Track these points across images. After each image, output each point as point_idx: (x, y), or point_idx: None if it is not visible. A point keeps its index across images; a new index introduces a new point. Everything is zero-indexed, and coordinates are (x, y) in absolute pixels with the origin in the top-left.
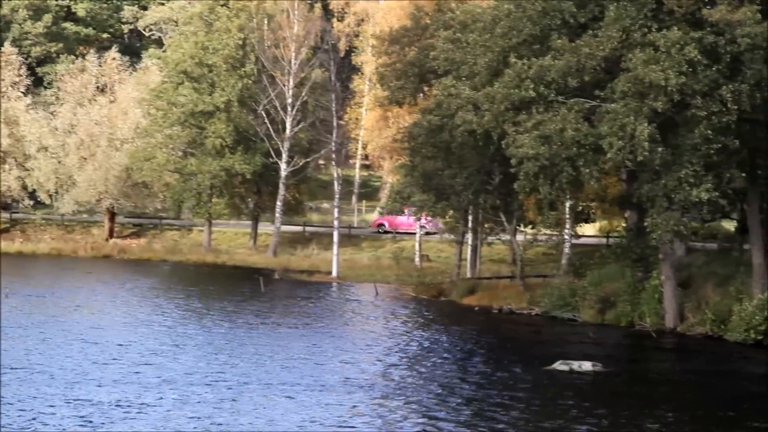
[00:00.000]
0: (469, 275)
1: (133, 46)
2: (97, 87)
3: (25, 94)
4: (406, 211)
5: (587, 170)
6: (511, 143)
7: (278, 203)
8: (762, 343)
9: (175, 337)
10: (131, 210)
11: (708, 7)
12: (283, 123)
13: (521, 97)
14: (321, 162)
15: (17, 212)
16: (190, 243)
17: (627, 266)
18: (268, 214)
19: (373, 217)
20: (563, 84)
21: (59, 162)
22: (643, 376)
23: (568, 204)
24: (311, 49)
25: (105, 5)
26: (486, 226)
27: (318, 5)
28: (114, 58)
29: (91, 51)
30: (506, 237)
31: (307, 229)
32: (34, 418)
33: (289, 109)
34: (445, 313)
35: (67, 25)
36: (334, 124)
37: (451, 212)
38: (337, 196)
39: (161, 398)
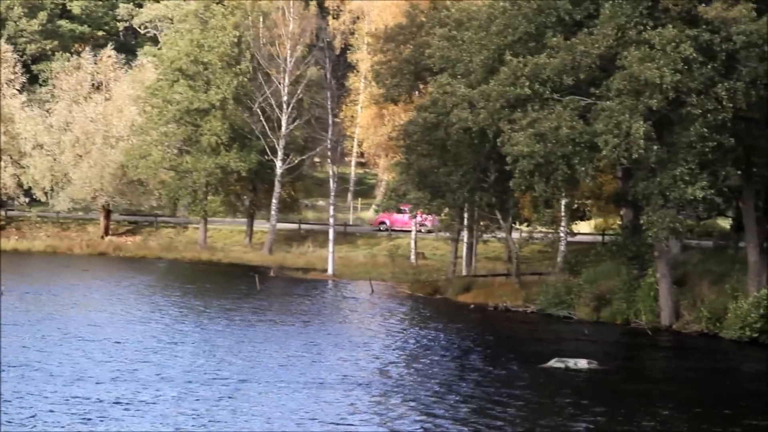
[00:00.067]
0: (464, 273)
1: (129, 44)
2: (93, 84)
3: (20, 91)
4: (406, 209)
5: (582, 168)
6: (507, 141)
7: (274, 201)
8: (757, 341)
9: (172, 334)
10: (127, 207)
11: (703, 4)
12: (279, 120)
13: (517, 94)
14: (316, 159)
15: (12, 210)
16: (186, 240)
17: (622, 264)
18: (264, 212)
19: (369, 214)
20: (559, 82)
21: (54, 159)
22: (639, 373)
23: (563, 202)
24: (307, 46)
25: (100, 3)
26: (481, 223)
27: (313, 3)
28: (109, 56)
29: (87, 48)
30: (502, 234)
31: (303, 226)
32: (33, 416)
33: (285, 106)
34: (440, 311)
35: (63, 22)
36: (330, 121)
37: (446, 210)
38: (332, 193)
39: (160, 396)
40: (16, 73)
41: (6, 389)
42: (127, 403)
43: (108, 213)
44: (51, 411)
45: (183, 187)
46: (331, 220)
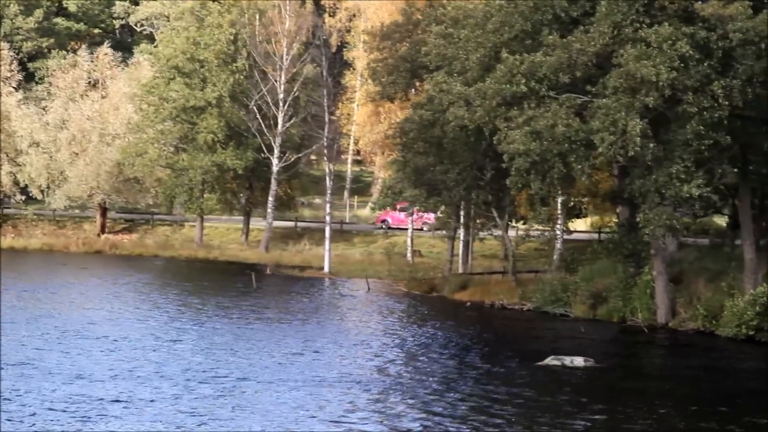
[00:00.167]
0: (461, 271)
1: (125, 42)
2: (89, 82)
3: (16, 89)
4: (408, 207)
5: (579, 166)
6: (503, 139)
7: (270, 198)
8: (753, 339)
9: (170, 332)
10: (123, 205)
11: (700, 1)
12: (275, 118)
13: (513, 92)
14: (313, 157)
15: (9, 207)
16: (182, 238)
17: (619, 261)
18: (260, 210)
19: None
20: (555, 80)
21: (51, 157)
22: (635, 371)
23: (559, 199)
24: (303, 44)
25: (96, 0)
26: (478, 221)
27: (309, 1)
28: (106, 54)
29: (83, 46)
30: (498, 232)
31: (299, 224)
32: (33, 414)
33: (281, 104)
34: (437, 309)
35: (59, 20)
36: (326, 119)
37: (442, 207)
38: (329, 191)
39: (159, 394)
40: (13, 70)
41: (5, 387)
42: (126, 401)
43: (104, 211)
44: (51, 409)
45: (179, 184)
46: (328, 218)
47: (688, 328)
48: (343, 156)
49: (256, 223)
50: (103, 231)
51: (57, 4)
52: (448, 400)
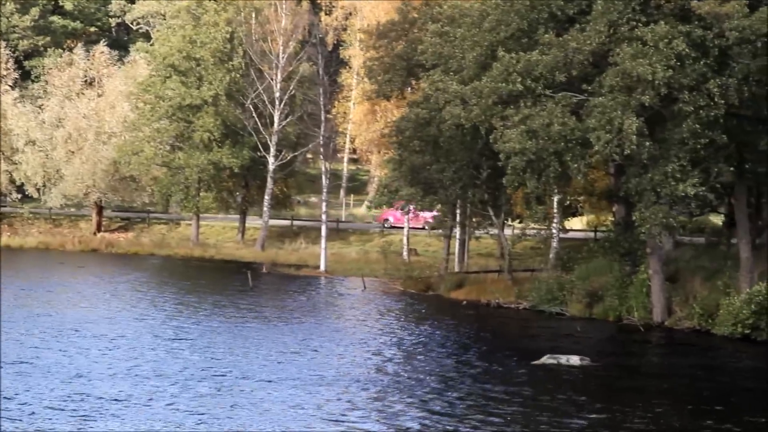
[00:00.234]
0: (457, 269)
1: (121, 40)
2: (85, 80)
3: (12, 87)
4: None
5: (575, 165)
6: (499, 138)
7: (266, 197)
8: (749, 337)
9: (168, 331)
10: (119, 204)
11: (696, 0)
12: (271, 117)
13: (509, 91)
14: (309, 156)
15: (5, 206)
16: (178, 237)
17: (615, 260)
18: (256, 208)
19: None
20: (551, 78)
21: (47, 156)
22: (631, 370)
23: (555, 198)
24: (299, 42)
25: None
26: (474, 220)
27: None
28: (102, 52)
29: (79, 45)
30: (494, 231)
31: (295, 223)
32: (32, 414)
33: (277, 102)
34: (433, 308)
35: (55, 18)
36: (322, 117)
37: (439, 206)
38: (325, 190)
39: (158, 393)
40: (9, 69)
41: (3, 386)
42: (125, 400)
43: (100, 209)
44: (50, 408)
45: (175, 183)
46: (324, 217)
47: (684, 326)
48: (339, 154)
49: (252, 221)
50: (99, 229)
51: (53, 3)
52: (446, 399)
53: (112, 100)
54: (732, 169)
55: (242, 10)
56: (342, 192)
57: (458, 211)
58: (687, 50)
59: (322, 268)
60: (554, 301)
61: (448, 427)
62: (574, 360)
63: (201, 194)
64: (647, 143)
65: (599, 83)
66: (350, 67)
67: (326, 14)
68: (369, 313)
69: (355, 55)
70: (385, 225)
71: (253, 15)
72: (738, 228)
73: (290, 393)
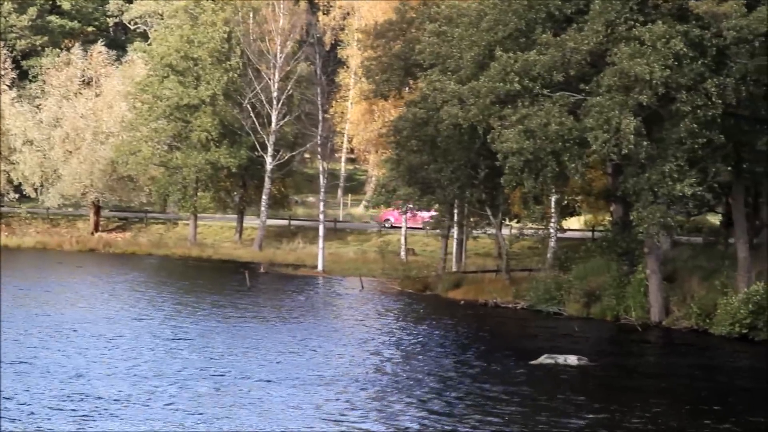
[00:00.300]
0: (454, 269)
1: (119, 40)
2: (83, 80)
3: (10, 87)
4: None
5: (572, 165)
6: (497, 138)
7: (264, 197)
8: (747, 337)
9: (166, 331)
10: (116, 204)
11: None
12: (269, 116)
13: (506, 90)
14: (306, 156)
15: (2, 206)
16: (176, 237)
17: (612, 260)
18: (254, 208)
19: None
20: (549, 78)
21: (44, 155)
22: (629, 369)
23: (553, 198)
24: (297, 42)
25: None
26: (471, 219)
27: None
28: (99, 52)
29: (77, 44)
30: (492, 231)
31: (293, 222)
32: (31, 413)
33: (275, 102)
34: (430, 307)
35: (53, 18)
36: (320, 117)
37: (436, 206)
38: (322, 189)
39: (158, 393)
40: (6, 68)
41: (2, 386)
42: (124, 400)
43: (98, 209)
44: (50, 408)
45: (173, 183)
46: (321, 216)
47: (682, 326)
48: (336, 154)
49: (249, 221)
50: (96, 229)
51: (51, 2)
52: (445, 399)
53: (109, 99)
54: (729, 168)
55: (240, 10)
56: (339, 192)
57: (456, 210)
58: (685, 50)
59: (320, 267)
60: (552, 301)
61: (447, 427)
62: (572, 360)
63: (198, 194)
64: (645, 143)
65: (597, 83)
66: (348, 67)
67: (324, 14)
68: (367, 313)
69: (353, 54)
70: (386, 225)
71: (251, 15)
72: (735, 228)
73: (289, 393)
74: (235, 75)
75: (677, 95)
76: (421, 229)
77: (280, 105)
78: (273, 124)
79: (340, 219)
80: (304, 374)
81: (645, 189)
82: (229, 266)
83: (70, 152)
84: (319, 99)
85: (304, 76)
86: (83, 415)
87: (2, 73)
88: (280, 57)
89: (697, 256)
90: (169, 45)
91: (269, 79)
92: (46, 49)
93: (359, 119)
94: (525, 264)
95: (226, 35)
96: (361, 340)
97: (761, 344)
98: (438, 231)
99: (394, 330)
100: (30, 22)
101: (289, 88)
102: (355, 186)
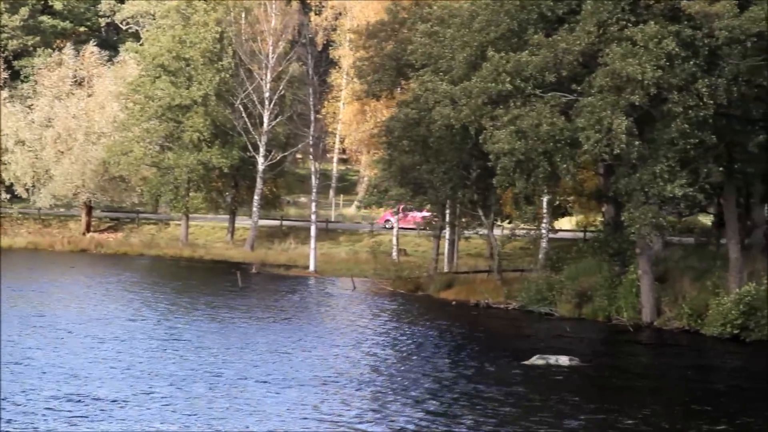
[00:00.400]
0: (446, 269)
1: (111, 40)
2: (75, 80)
3: (1, 87)
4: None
5: (564, 165)
6: (488, 138)
7: (256, 197)
8: (738, 338)
9: (160, 331)
10: (108, 204)
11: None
12: (261, 117)
13: (498, 90)
14: (298, 156)
15: None
16: (168, 237)
17: (604, 260)
18: (246, 208)
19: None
20: (541, 79)
21: (36, 156)
22: (620, 370)
23: (545, 198)
24: (289, 42)
25: None
26: (463, 220)
27: None
28: (91, 52)
29: (69, 44)
30: (484, 231)
31: (285, 223)
32: (27, 413)
33: (267, 103)
34: (422, 308)
35: (44, 18)
36: (312, 118)
37: (428, 206)
38: (314, 190)
39: (152, 394)
40: None
41: None
42: (119, 401)
43: (89, 209)
44: (46, 409)
45: (165, 183)
46: (313, 217)
47: (673, 327)
48: (328, 155)
49: (241, 221)
50: (88, 230)
51: (42, 2)
52: (441, 399)
53: (101, 100)
54: (721, 169)
55: (232, 10)
56: (331, 192)
57: (448, 211)
58: (677, 50)
59: (312, 268)
60: (543, 302)
61: (443, 428)
62: (563, 360)
63: (190, 194)
64: (636, 143)
65: (589, 83)
66: (340, 67)
67: (316, 14)
68: (360, 313)
69: (345, 55)
70: (387, 226)
71: (243, 15)
72: (727, 228)
73: (285, 393)
74: (227, 75)
75: (669, 96)
76: (413, 229)
77: (272, 105)
78: (265, 125)
79: (332, 219)
80: (299, 375)
81: (636, 189)
82: (221, 266)
83: (62, 152)
84: (311, 99)
85: (296, 77)
86: (79, 416)
87: None
88: (272, 57)
89: (689, 256)
90: (161, 45)
91: (261, 79)
92: (38, 49)
93: (351, 119)
94: (517, 264)
95: (218, 35)
96: (354, 341)
97: (752, 345)
98: (430, 231)
99: (388, 330)
100: (22, 22)
101: (281, 88)
102: (347, 186)
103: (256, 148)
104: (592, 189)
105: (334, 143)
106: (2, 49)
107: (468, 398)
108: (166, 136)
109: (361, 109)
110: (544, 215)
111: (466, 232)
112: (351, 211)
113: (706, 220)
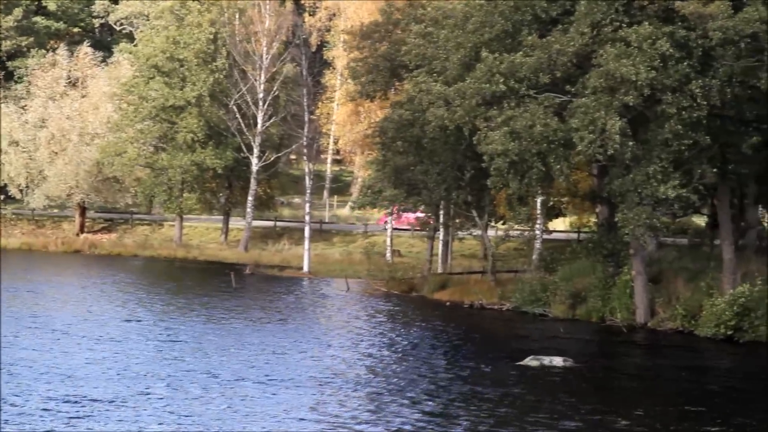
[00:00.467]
0: (440, 270)
1: (105, 41)
2: (68, 81)
3: None
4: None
5: (557, 166)
6: (482, 139)
7: (249, 198)
8: (732, 338)
9: (156, 332)
10: (102, 205)
11: (680, 0)
12: (255, 118)
13: (492, 91)
14: (292, 157)
15: None
16: (161, 238)
17: (598, 261)
18: (240, 209)
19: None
20: (535, 80)
21: (30, 156)
22: (614, 371)
23: (539, 199)
24: (283, 43)
25: None
26: (457, 221)
27: (289, 0)
28: (85, 53)
29: (62, 45)
30: (477, 232)
31: (279, 224)
32: (23, 414)
33: (261, 103)
34: (416, 309)
35: (38, 19)
36: (306, 118)
37: (422, 207)
38: (308, 190)
39: (148, 394)
40: None
41: None
42: (115, 402)
43: (83, 210)
44: (43, 410)
45: (158, 184)
46: (307, 218)
47: (667, 327)
48: (322, 155)
49: (235, 222)
50: (82, 230)
51: (36, 3)
52: (437, 400)
53: (95, 100)
54: (715, 170)
55: (226, 11)
56: (325, 193)
57: (442, 212)
58: (670, 51)
59: (306, 269)
60: (537, 302)
61: (440, 428)
62: (557, 361)
63: (184, 195)
64: (630, 143)
65: (583, 84)
66: (334, 68)
67: (310, 15)
68: (354, 314)
69: (339, 56)
70: (387, 227)
71: (237, 16)
72: (721, 229)
73: (282, 394)
74: (221, 76)
75: (663, 96)
76: (407, 230)
77: (266, 106)
78: (259, 126)
79: (326, 220)
80: (295, 375)
81: (630, 190)
82: (215, 267)
83: (56, 153)
84: (305, 100)
85: (290, 77)
86: (75, 417)
87: None
88: (266, 58)
89: (683, 257)
90: (155, 46)
91: (255, 80)
92: (31, 50)
93: (345, 120)
94: (511, 265)
95: (212, 36)
96: (350, 342)
97: (746, 346)
98: (424, 232)
99: (383, 331)
100: (15, 23)
101: (275, 89)
102: (341, 187)
103: (250, 149)
104: (586, 190)
105: (328, 144)
106: None
107: (464, 399)
108: (160, 137)
109: (355, 109)
110: (538, 216)
111: (460, 233)
112: (345, 212)
113: (700, 221)
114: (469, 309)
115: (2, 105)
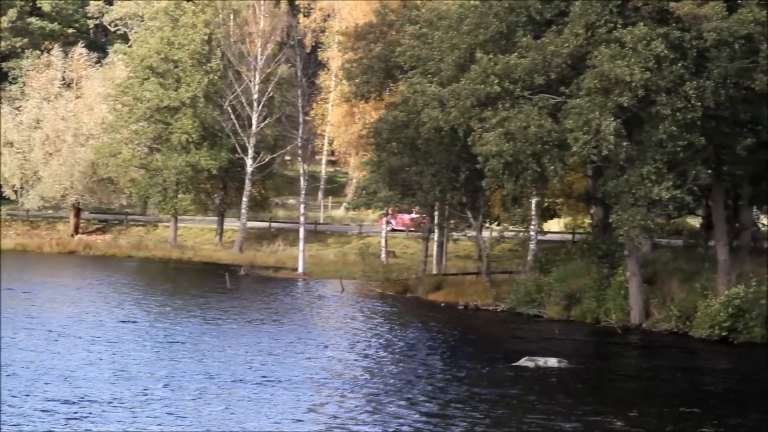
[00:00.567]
0: (435, 271)
1: (99, 42)
2: (63, 82)
3: None
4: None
5: (552, 167)
6: (477, 140)
7: (244, 199)
8: (726, 340)
9: (153, 333)
10: (97, 206)
11: (674, 1)
12: (249, 119)
13: (487, 92)
14: (287, 158)
15: None
16: (156, 239)
17: (592, 262)
18: (234, 210)
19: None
20: (529, 81)
21: (24, 157)
22: (609, 372)
23: (534, 200)
24: (277, 44)
25: (70, 0)
26: (452, 222)
27: (284, 1)
28: (80, 54)
29: (57, 46)
30: (472, 233)
31: (273, 225)
32: (21, 415)
33: (255, 104)
34: (412, 310)
35: (33, 20)
36: (300, 119)
37: (417, 208)
38: (303, 191)
39: (146, 395)
40: None
41: None
42: (114, 403)
43: (78, 211)
44: (40, 410)
45: (153, 185)
46: (302, 219)
47: (662, 329)
48: (317, 156)
49: (230, 223)
50: (76, 231)
51: (31, 4)
52: (435, 401)
53: (90, 101)
54: (709, 171)
55: (220, 12)
56: (320, 194)
57: (436, 213)
58: (665, 52)
59: (300, 270)
60: (532, 303)
61: (436, 429)
62: (552, 362)
63: (179, 196)
64: (625, 144)
65: (577, 85)
66: (328, 69)
67: (305, 16)
68: (350, 315)
69: (334, 56)
70: (387, 227)
71: (232, 17)
72: (715, 230)
73: (280, 394)
74: (216, 77)
75: (657, 97)
76: (401, 231)
77: (260, 107)
78: (253, 126)
79: (321, 221)
80: (292, 376)
81: (625, 191)
82: (210, 268)
83: (51, 154)
84: (299, 101)
85: (285, 78)
86: (73, 418)
87: None
88: (261, 59)
89: (677, 258)
90: (150, 47)
91: (250, 81)
92: (26, 50)
93: (340, 121)
94: (505, 266)
95: (206, 37)
96: (346, 343)
97: (741, 347)
98: (419, 233)
99: (379, 332)
100: (10, 24)
101: (269, 90)
102: (335, 188)
103: (244, 150)
104: (581, 191)
105: (322, 145)
106: None
107: (460, 400)
108: (155, 138)
109: (349, 110)
110: (533, 217)
111: (454, 234)
112: (340, 212)
113: (695, 222)
114: (464, 310)
115: None
